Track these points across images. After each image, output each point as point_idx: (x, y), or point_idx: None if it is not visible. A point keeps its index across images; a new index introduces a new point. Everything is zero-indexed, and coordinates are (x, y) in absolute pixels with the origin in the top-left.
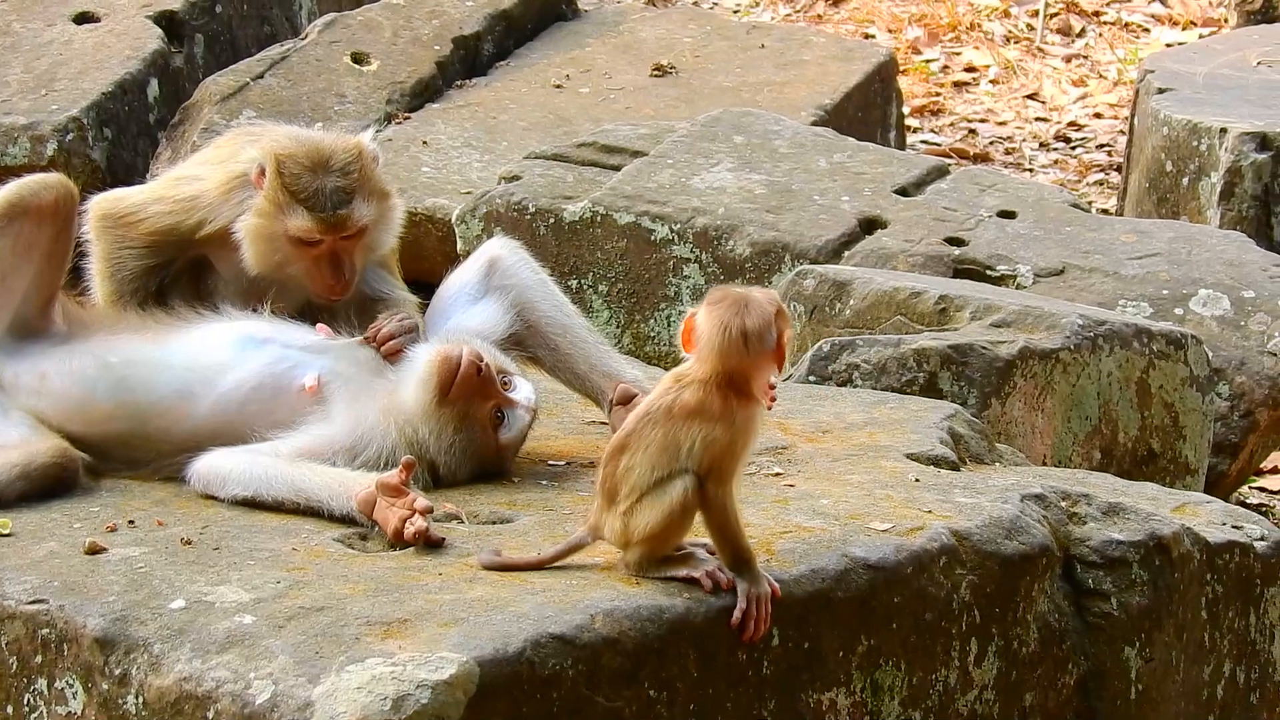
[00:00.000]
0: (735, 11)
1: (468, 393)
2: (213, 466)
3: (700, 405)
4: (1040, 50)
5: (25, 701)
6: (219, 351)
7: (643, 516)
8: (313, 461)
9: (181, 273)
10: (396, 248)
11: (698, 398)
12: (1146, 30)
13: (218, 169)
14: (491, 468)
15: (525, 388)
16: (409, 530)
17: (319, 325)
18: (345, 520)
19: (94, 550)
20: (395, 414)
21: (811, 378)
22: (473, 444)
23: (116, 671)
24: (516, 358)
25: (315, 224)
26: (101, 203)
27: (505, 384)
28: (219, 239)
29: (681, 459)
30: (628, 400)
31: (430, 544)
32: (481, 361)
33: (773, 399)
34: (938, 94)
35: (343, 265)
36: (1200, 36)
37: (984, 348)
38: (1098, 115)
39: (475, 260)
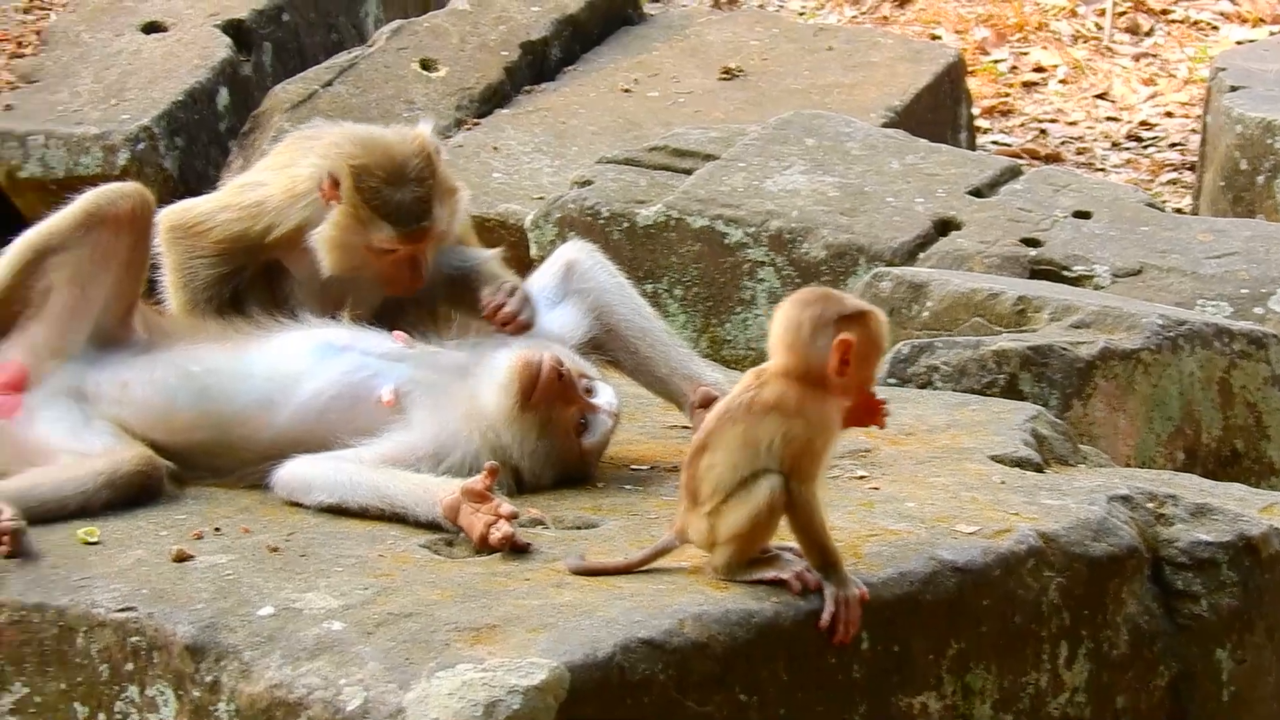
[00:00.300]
0: (801, 14)
1: (549, 398)
2: (297, 474)
3: (778, 401)
4: (1109, 49)
5: (117, 709)
6: (298, 360)
7: (729, 518)
8: (396, 468)
9: (256, 278)
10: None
11: (775, 393)
12: (1215, 28)
13: (281, 174)
14: (575, 473)
15: (607, 392)
16: (494, 535)
17: (396, 332)
18: (430, 526)
19: (181, 558)
20: (478, 420)
21: (891, 380)
22: (556, 449)
23: (207, 679)
24: (596, 362)
25: (398, 236)
26: (170, 214)
27: (587, 389)
28: (289, 242)
29: (761, 456)
30: (709, 403)
31: (516, 549)
32: (562, 367)
33: (881, 412)
34: (1007, 94)
35: (419, 264)
36: (1270, 34)
37: (1064, 349)
38: (1169, 114)
39: (552, 264)
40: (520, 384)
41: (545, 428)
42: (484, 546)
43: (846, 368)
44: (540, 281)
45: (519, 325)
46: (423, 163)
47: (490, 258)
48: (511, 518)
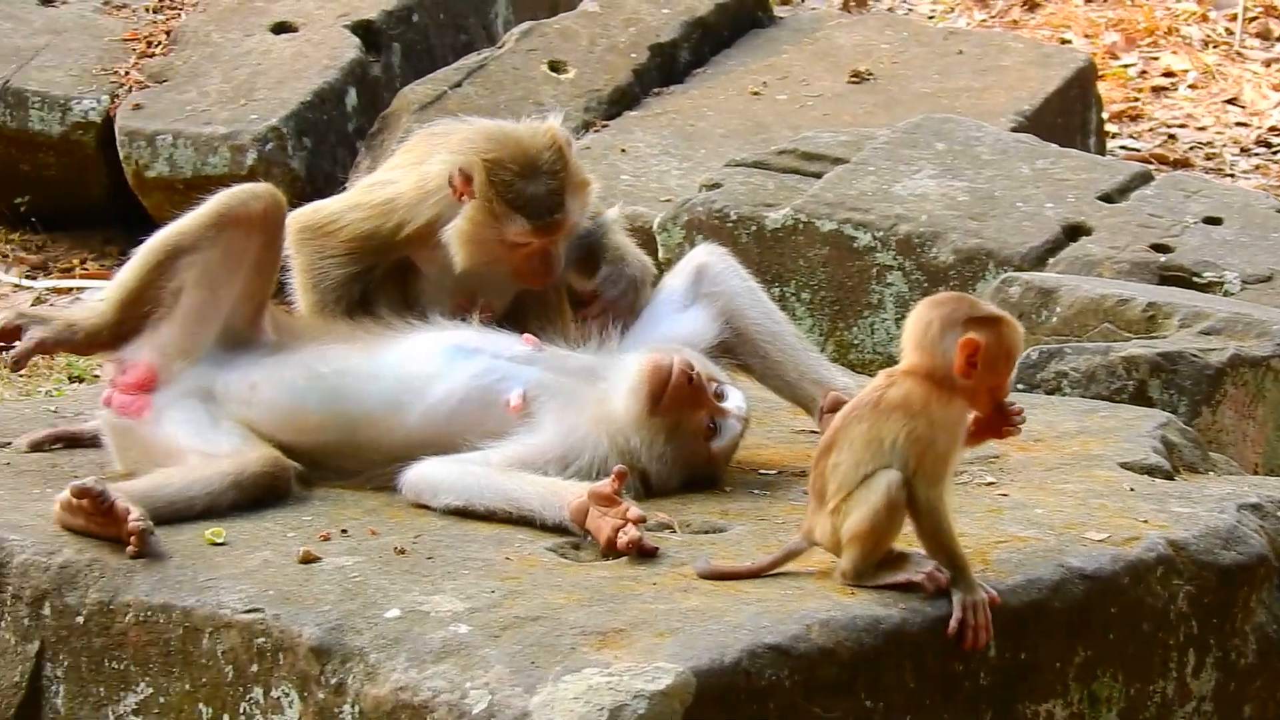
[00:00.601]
0: (930, 17)
1: (679, 402)
2: (425, 476)
3: (903, 399)
4: (1239, 54)
5: (241, 710)
6: (428, 362)
7: (851, 516)
8: (524, 471)
9: (385, 277)
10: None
11: (902, 392)
12: None
13: (411, 171)
14: (703, 476)
15: (736, 396)
16: (622, 539)
17: (525, 335)
18: (557, 530)
19: (308, 559)
20: (606, 423)
21: (1020, 386)
22: (684, 453)
23: (332, 681)
24: (726, 365)
25: (532, 230)
26: (299, 215)
27: (717, 393)
28: (420, 240)
29: (884, 454)
30: (838, 407)
31: (643, 553)
32: (693, 370)
33: (1012, 424)
34: (1136, 99)
35: (551, 257)
36: None
37: (1194, 355)
38: None
39: (683, 268)
40: (650, 388)
41: (674, 432)
42: (611, 550)
43: (973, 370)
44: (671, 285)
45: (602, 322)
46: (555, 155)
47: (611, 222)
48: (639, 521)
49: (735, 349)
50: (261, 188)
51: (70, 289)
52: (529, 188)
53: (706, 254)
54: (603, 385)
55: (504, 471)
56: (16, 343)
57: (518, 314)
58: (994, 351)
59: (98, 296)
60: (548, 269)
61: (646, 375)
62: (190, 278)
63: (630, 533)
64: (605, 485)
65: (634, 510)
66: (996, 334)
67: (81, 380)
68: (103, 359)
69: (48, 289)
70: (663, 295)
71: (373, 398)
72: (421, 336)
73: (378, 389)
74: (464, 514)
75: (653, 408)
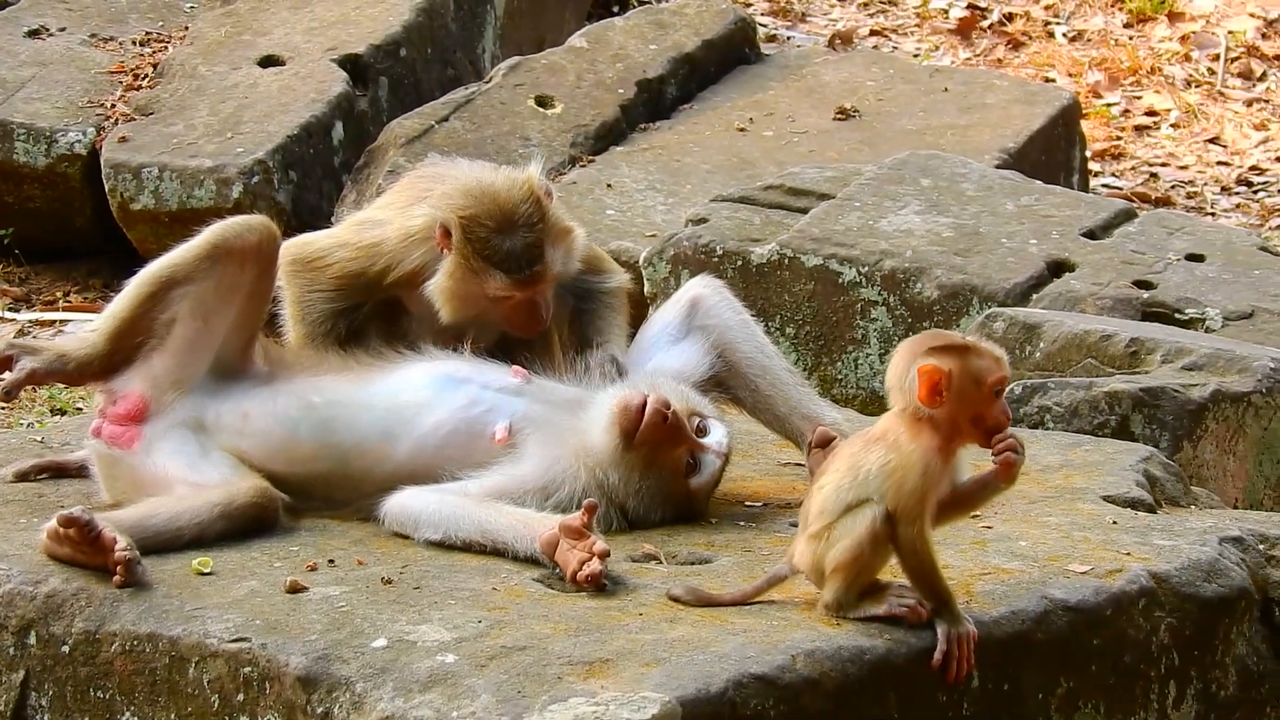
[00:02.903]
0: (916, 55)
1: (654, 439)
2: (404, 507)
3: (883, 432)
4: (1221, 94)
5: None
6: (419, 392)
7: (834, 548)
8: (503, 502)
9: (374, 313)
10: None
11: (884, 426)
12: None
13: (399, 215)
14: (682, 512)
15: (718, 432)
16: (582, 573)
17: (514, 368)
18: (530, 561)
19: (295, 589)
20: (585, 457)
21: None
22: (662, 489)
23: (319, 710)
24: (717, 398)
25: (512, 284)
26: (290, 247)
27: (699, 429)
28: (407, 282)
29: (860, 482)
30: (826, 443)
31: (599, 588)
32: (668, 409)
33: (1002, 459)
34: (1119, 138)
35: (538, 307)
36: None
37: (1176, 391)
38: None
39: (678, 300)
40: (621, 426)
41: (650, 468)
42: (573, 582)
43: (938, 398)
44: (665, 317)
45: None
46: (531, 208)
47: (613, 285)
48: (604, 556)
49: (726, 382)
50: (256, 220)
51: (54, 321)
52: (505, 243)
53: (701, 286)
54: (585, 418)
55: (480, 503)
56: (7, 373)
57: (508, 343)
58: (963, 380)
59: (89, 327)
60: (535, 319)
61: (617, 414)
62: (184, 309)
63: (592, 567)
64: (575, 518)
65: (599, 545)
66: (961, 361)
67: (64, 412)
68: (93, 389)
69: (31, 321)
70: (656, 327)
71: (365, 428)
72: (413, 367)
73: (370, 419)
74: (443, 546)
75: (626, 445)
